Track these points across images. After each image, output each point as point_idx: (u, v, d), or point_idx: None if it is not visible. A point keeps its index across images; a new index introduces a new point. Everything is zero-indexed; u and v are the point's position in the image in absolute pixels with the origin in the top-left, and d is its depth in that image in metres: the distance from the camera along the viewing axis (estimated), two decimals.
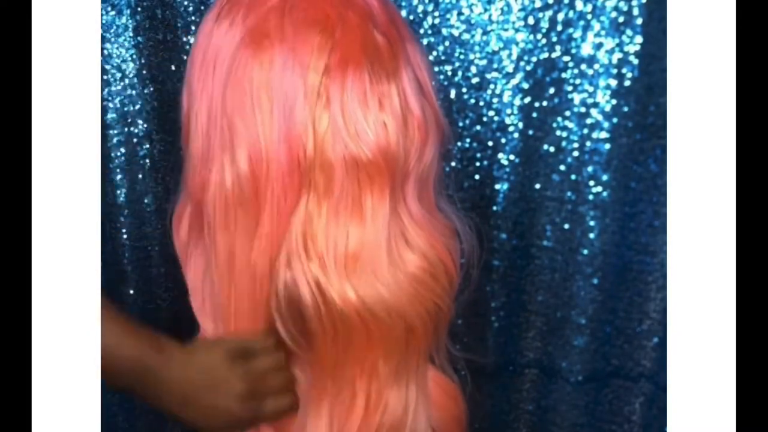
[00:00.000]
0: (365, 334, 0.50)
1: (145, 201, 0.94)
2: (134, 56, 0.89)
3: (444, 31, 0.84)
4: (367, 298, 0.49)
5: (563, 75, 0.84)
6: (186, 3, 0.86)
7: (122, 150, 0.92)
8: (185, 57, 0.51)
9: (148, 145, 0.92)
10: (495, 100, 0.86)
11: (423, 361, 0.54)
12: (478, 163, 0.88)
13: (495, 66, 0.85)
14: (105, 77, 0.89)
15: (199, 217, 0.52)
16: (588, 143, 0.85)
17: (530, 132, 0.86)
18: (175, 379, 0.50)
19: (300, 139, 0.47)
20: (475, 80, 0.85)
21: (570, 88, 0.84)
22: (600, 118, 0.84)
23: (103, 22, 0.87)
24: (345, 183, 0.48)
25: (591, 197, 0.87)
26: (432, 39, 0.85)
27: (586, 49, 0.82)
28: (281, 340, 0.51)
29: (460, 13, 0.84)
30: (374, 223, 0.49)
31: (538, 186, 0.88)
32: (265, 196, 0.48)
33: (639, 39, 0.81)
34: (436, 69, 0.85)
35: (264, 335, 0.52)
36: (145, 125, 0.91)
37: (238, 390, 0.51)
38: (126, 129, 0.91)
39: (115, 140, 0.91)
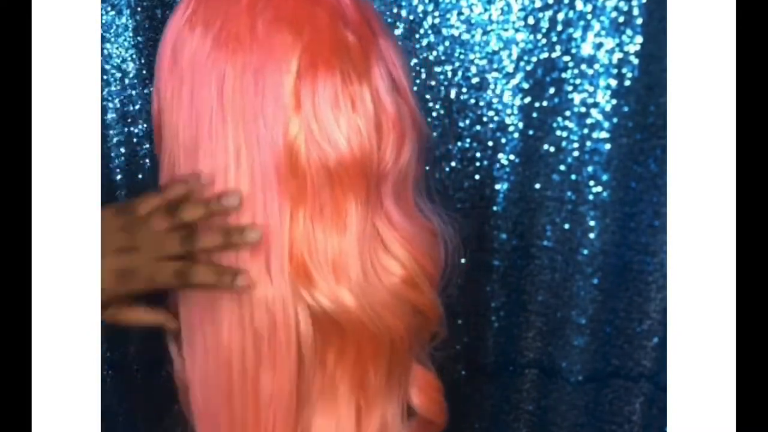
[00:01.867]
0: (355, 344, 0.49)
1: None
2: (134, 56, 0.89)
3: (444, 31, 0.84)
4: (351, 306, 0.48)
5: (563, 75, 0.84)
6: None
7: (122, 150, 0.92)
8: None
9: (148, 145, 0.92)
10: (495, 100, 0.86)
11: (408, 368, 0.54)
12: (478, 163, 0.88)
13: (495, 66, 0.85)
14: (105, 77, 0.89)
15: None
16: (588, 143, 0.85)
17: (530, 132, 0.86)
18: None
19: (274, 144, 0.46)
20: (475, 80, 0.85)
21: (570, 88, 0.84)
22: (600, 118, 0.84)
23: (103, 22, 0.87)
24: (319, 189, 0.47)
25: (591, 197, 0.87)
26: (432, 39, 0.85)
27: (586, 49, 0.82)
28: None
29: (460, 13, 0.84)
30: (350, 228, 0.48)
31: (538, 186, 0.88)
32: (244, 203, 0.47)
33: (639, 39, 0.81)
34: (437, 69, 0.85)
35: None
36: (145, 125, 0.91)
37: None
38: (126, 129, 0.91)
39: (115, 140, 0.91)
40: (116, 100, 0.90)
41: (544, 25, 0.82)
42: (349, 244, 0.48)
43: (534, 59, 0.84)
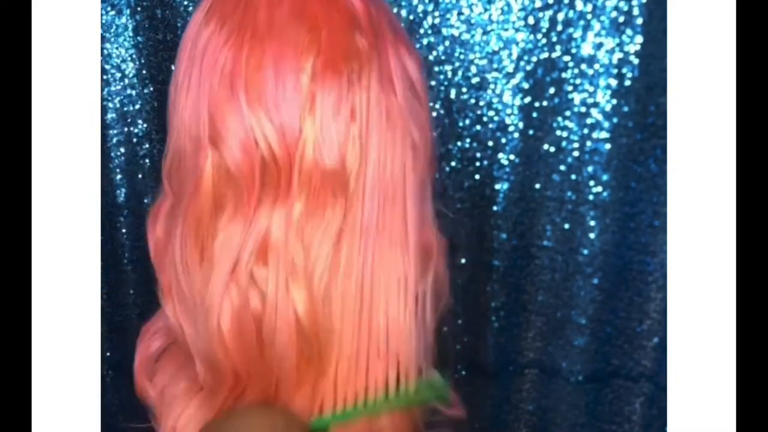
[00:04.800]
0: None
1: (145, 201, 0.94)
2: (134, 56, 0.89)
3: (444, 31, 0.84)
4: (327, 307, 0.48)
5: (563, 75, 0.84)
6: (186, 3, 0.86)
7: (122, 150, 0.92)
8: None
9: (148, 145, 0.92)
10: (495, 100, 0.86)
11: None
12: (478, 163, 0.88)
13: (495, 66, 0.85)
14: (105, 77, 0.89)
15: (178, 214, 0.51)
16: (588, 143, 0.85)
17: (530, 132, 0.86)
18: None
19: (282, 140, 0.47)
20: (475, 80, 0.85)
21: (570, 88, 0.84)
22: (600, 118, 0.84)
23: (103, 22, 0.87)
24: (311, 191, 0.47)
25: (591, 197, 0.87)
26: (432, 39, 0.85)
27: (586, 49, 0.82)
28: None
29: (460, 13, 0.84)
30: (329, 234, 0.48)
31: (538, 186, 0.88)
32: (240, 194, 0.48)
33: (639, 39, 0.81)
34: (436, 69, 0.85)
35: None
36: (145, 125, 0.91)
37: None
38: (126, 129, 0.91)
39: (115, 140, 0.91)
40: (116, 100, 0.90)
41: (544, 25, 0.82)
42: (326, 249, 0.48)
43: (534, 59, 0.84)
